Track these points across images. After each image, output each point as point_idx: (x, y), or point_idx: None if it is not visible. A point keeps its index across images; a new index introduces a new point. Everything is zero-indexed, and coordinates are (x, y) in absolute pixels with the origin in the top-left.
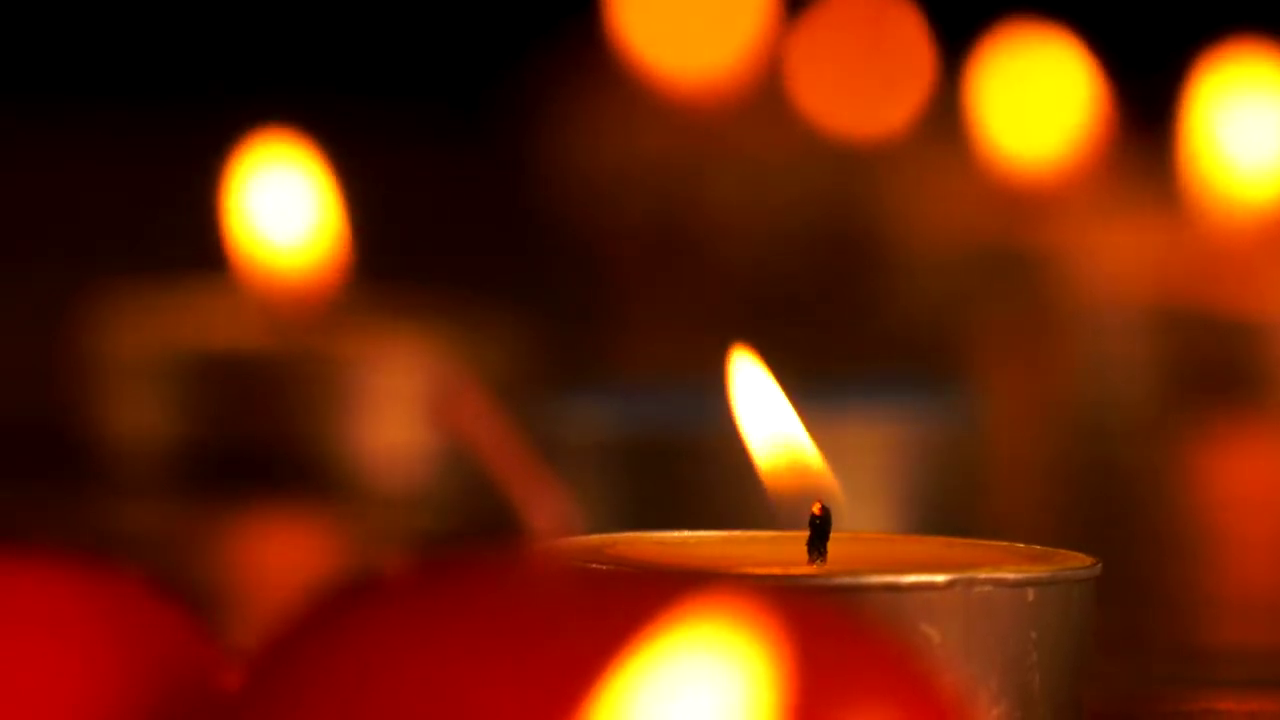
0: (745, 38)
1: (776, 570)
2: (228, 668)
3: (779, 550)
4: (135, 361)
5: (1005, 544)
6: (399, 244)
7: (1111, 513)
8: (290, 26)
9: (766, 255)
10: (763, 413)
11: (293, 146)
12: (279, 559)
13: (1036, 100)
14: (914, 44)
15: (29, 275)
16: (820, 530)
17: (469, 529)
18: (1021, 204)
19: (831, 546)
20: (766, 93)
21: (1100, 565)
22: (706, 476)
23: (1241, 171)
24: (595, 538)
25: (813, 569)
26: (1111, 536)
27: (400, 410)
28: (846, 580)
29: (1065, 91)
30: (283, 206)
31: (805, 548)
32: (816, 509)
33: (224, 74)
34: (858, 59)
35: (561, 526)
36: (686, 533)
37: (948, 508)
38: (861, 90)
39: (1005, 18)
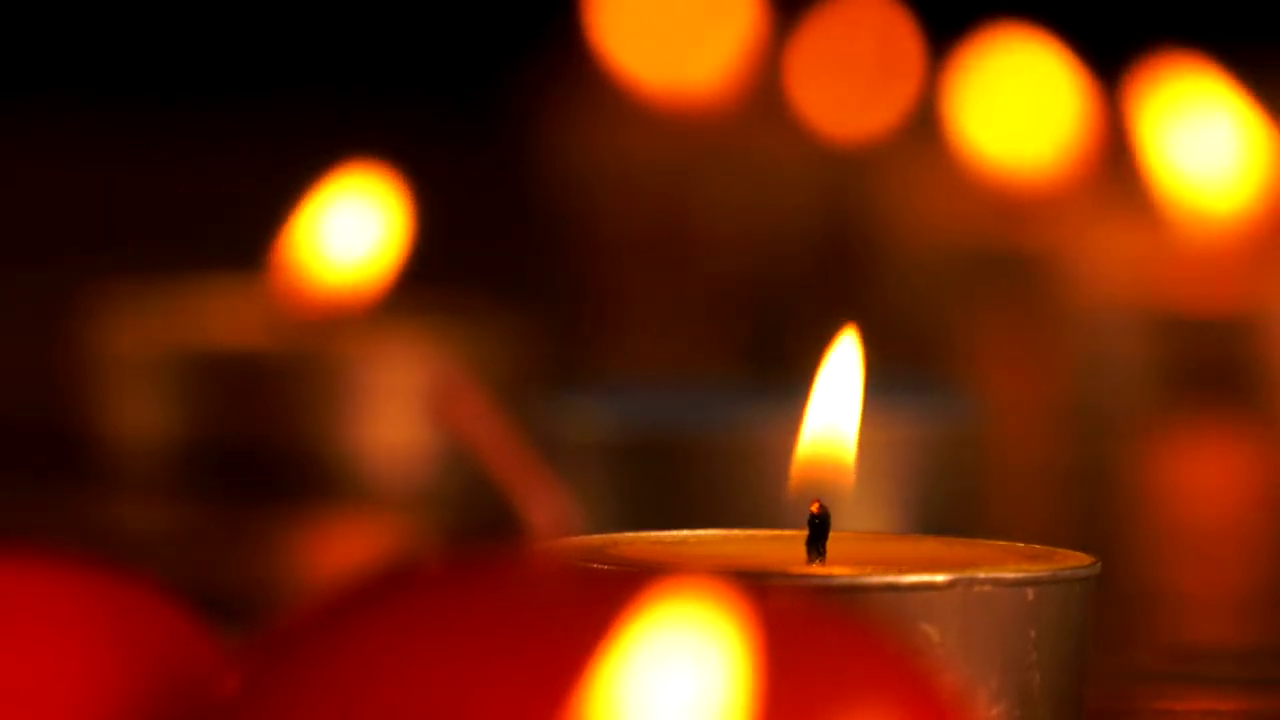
0: (740, 40)
1: (776, 569)
2: (228, 667)
3: (778, 549)
4: (136, 361)
5: (1004, 543)
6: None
7: (1109, 512)
8: (289, 26)
9: (765, 256)
10: (832, 400)
11: (364, 170)
12: (278, 558)
13: (1031, 100)
14: (907, 45)
15: (29, 275)
16: (819, 529)
17: (469, 528)
18: (1018, 205)
19: (831, 546)
20: (764, 95)
21: (1100, 564)
22: (706, 476)
23: (1235, 169)
24: (595, 537)
25: (812, 568)
26: (1109, 535)
27: (401, 409)
28: (846, 580)
29: (1059, 92)
30: (352, 227)
31: (805, 547)
32: (816, 508)
33: (222, 73)
34: (853, 61)
35: (561, 526)
36: (686, 532)
37: (946, 507)
38: (857, 92)
39: (996, 18)
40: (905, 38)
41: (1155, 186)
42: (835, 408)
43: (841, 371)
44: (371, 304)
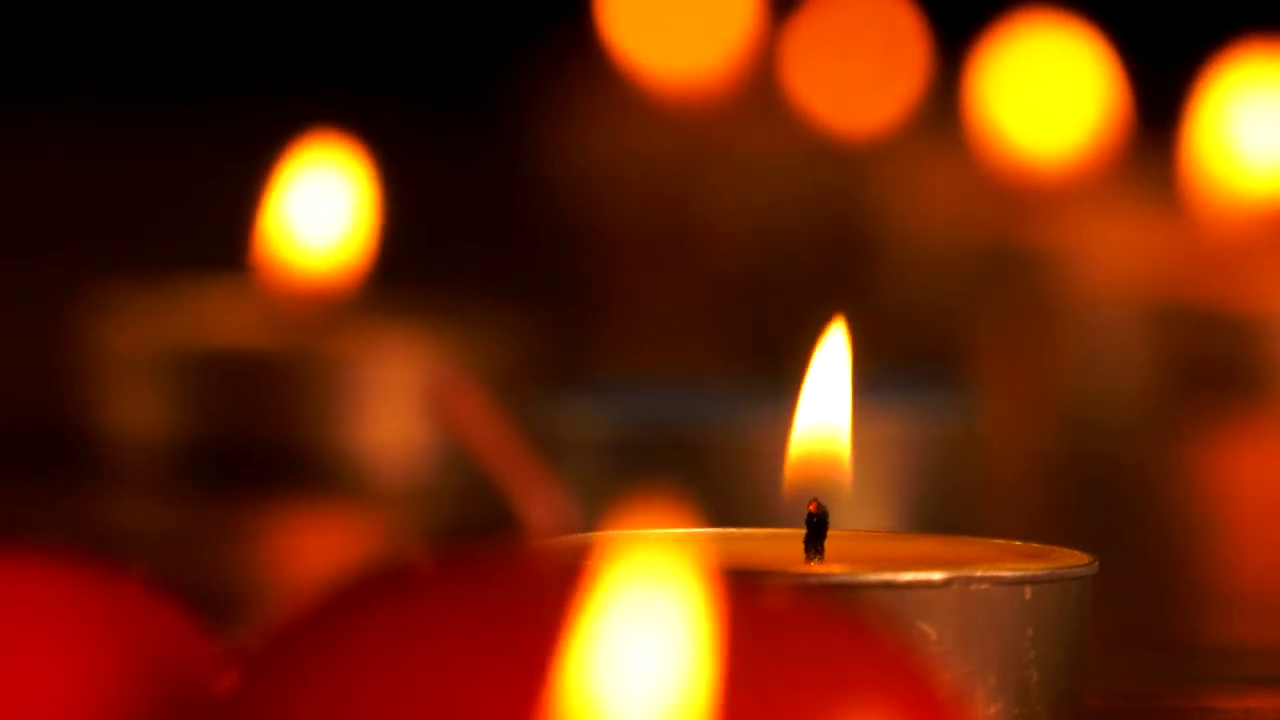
0: (741, 34)
1: (774, 568)
2: (226, 666)
3: (776, 548)
4: (135, 359)
5: (1002, 541)
6: (397, 240)
7: (1109, 510)
8: (289, 22)
9: (765, 253)
10: (822, 396)
11: (335, 147)
12: (278, 556)
13: (1036, 94)
14: (910, 37)
15: (29, 274)
16: (818, 528)
17: (467, 526)
18: (1021, 200)
19: (829, 544)
20: (766, 90)
21: (1097, 563)
22: (705, 475)
23: (1242, 169)
24: (593, 535)
25: (810, 567)
26: (1108, 533)
27: (399, 407)
28: (844, 578)
29: (1066, 85)
30: (322, 207)
31: (803, 546)
32: (814, 507)
33: (221, 69)
34: (854, 54)
35: (559, 524)
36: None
37: (945, 505)
38: (859, 86)
39: (1007, 8)
40: (907, 30)
41: (1181, 178)
42: (827, 404)
43: (831, 366)
44: (353, 288)
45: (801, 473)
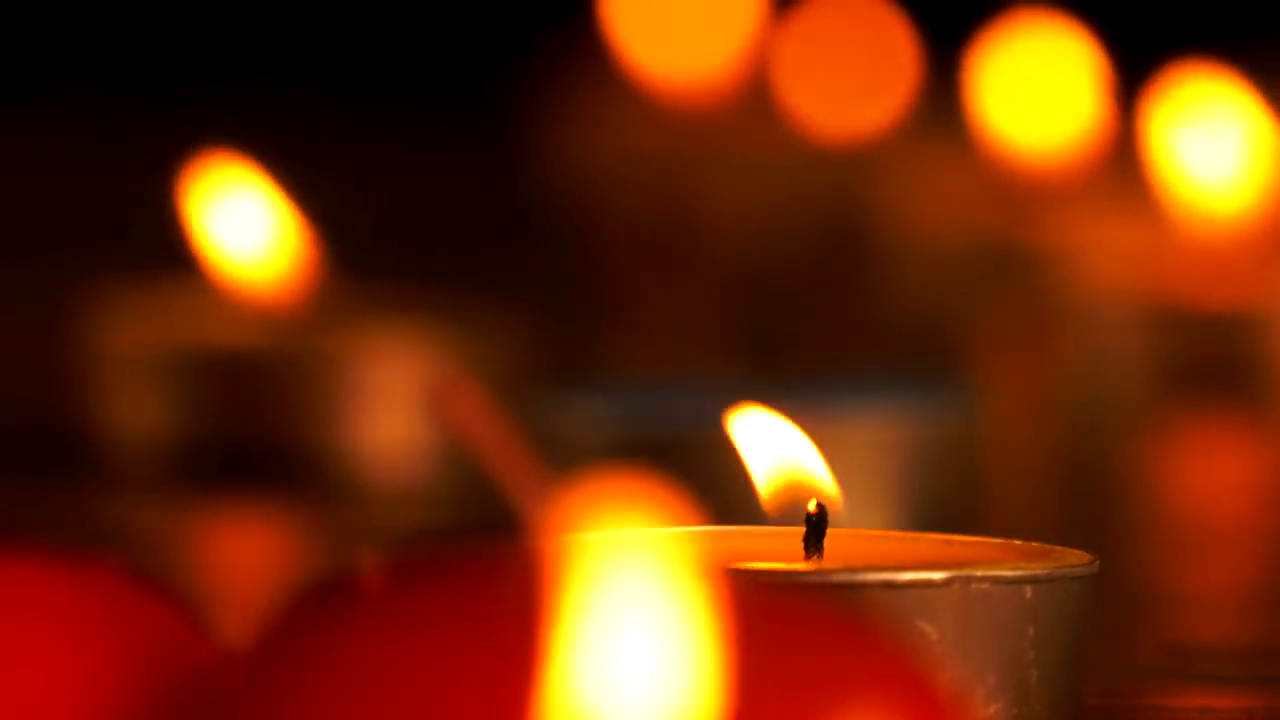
0: (742, 35)
1: (773, 566)
2: (223, 664)
3: (776, 546)
4: (133, 358)
5: (1003, 541)
6: (397, 240)
7: (1108, 509)
8: (287, 18)
9: (765, 253)
10: (768, 448)
11: (235, 159)
12: (276, 555)
13: (1035, 93)
14: (906, 37)
15: (29, 274)
16: (816, 527)
17: (466, 526)
18: (1019, 199)
19: (828, 543)
20: (765, 91)
21: (1097, 562)
22: (705, 474)
23: (1240, 168)
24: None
25: (809, 565)
26: (1108, 533)
27: (398, 407)
28: (843, 577)
29: (1063, 84)
30: (240, 220)
31: (802, 544)
32: (812, 506)
33: (221, 66)
34: (851, 55)
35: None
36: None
37: (945, 505)
38: (856, 86)
39: (1001, 9)
40: (905, 31)
41: (1160, 184)
42: (783, 443)
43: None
44: (312, 284)
45: (781, 500)
